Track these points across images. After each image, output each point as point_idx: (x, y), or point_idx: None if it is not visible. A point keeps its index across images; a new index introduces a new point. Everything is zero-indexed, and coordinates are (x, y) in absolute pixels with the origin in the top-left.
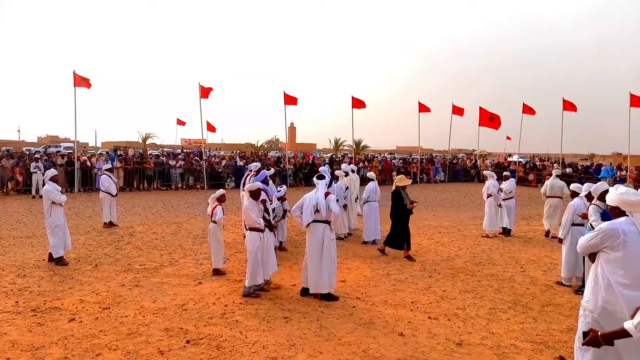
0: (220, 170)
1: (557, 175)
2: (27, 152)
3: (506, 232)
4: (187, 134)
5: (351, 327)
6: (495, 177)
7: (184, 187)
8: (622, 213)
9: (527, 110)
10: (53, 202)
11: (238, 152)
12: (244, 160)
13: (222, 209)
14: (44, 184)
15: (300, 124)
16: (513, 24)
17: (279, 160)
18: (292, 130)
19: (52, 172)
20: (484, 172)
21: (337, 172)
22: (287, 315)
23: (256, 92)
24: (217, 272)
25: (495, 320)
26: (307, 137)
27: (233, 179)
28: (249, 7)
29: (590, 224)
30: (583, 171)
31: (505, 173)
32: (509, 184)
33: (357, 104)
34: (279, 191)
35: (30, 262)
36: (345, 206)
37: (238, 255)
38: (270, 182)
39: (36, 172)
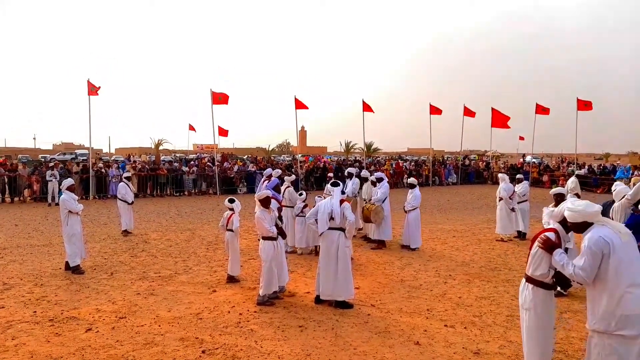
0: (232, 175)
1: (575, 175)
2: (43, 160)
3: (521, 235)
4: (199, 139)
5: (367, 336)
6: (508, 179)
7: (197, 192)
8: (588, 225)
9: (541, 110)
10: (70, 211)
11: (249, 157)
12: (254, 165)
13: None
14: (60, 192)
15: (310, 126)
16: (526, 16)
17: (291, 165)
18: (302, 133)
19: (69, 181)
20: (498, 174)
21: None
22: (302, 324)
23: (267, 96)
24: (231, 280)
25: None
26: (317, 140)
27: (245, 184)
28: (259, 11)
29: None
30: (600, 172)
31: (518, 176)
32: (522, 187)
33: (368, 107)
34: (301, 194)
35: (47, 271)
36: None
37: (251, 262)
38: (291, 188)
39: (52, 180)
